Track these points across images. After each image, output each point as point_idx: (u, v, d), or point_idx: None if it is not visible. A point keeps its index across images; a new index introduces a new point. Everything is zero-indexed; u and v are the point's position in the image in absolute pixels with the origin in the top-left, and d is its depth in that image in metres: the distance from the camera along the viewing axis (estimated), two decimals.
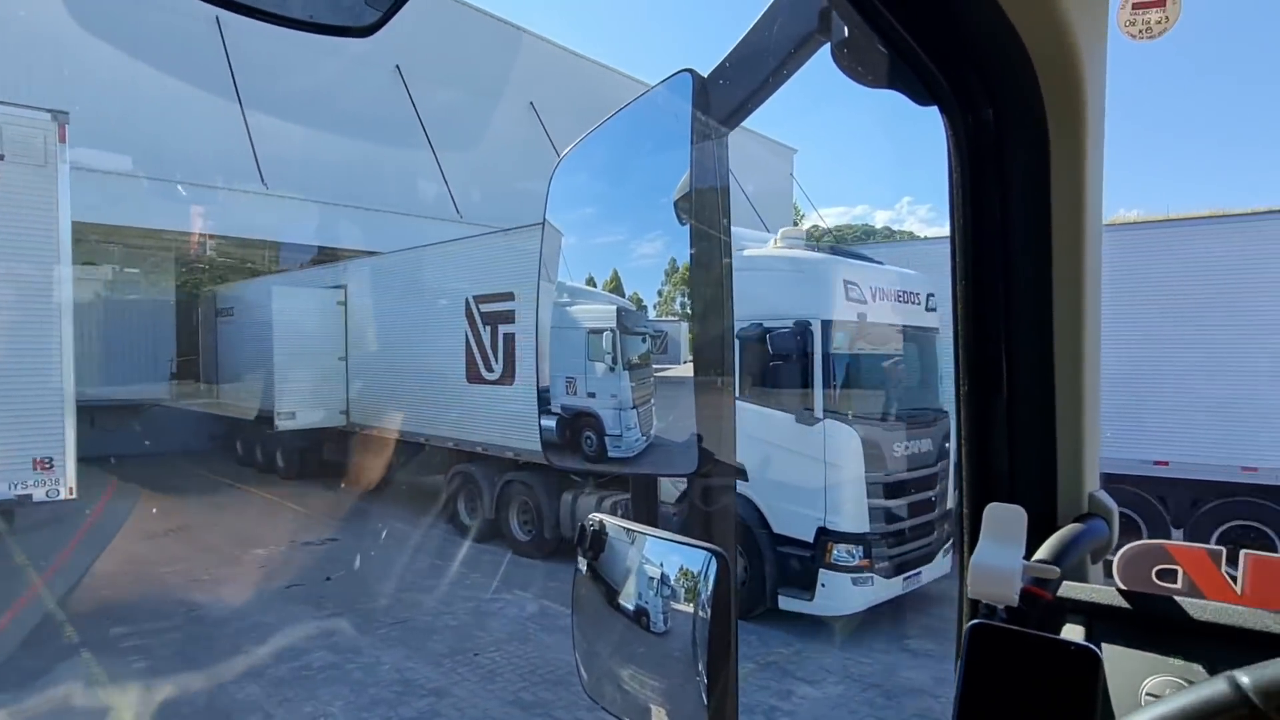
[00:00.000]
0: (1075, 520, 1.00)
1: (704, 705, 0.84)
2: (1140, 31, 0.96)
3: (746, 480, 7.46)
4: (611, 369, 1.06)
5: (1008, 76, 0.90)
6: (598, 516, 1.05)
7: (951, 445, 8.45)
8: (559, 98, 19.81)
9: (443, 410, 11.23)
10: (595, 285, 1.06)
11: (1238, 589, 1.12)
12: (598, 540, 1.04)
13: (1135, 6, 0.96)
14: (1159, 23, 0.96)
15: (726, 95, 1.01)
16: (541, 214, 1.10)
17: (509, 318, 10.05)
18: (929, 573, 7.96)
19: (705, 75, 0.96)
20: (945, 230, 1.05)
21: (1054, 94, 0.89)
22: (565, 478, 9.53)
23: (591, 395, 1.09)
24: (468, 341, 10.72)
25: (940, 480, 8.18)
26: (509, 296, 10.03)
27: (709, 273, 0.93)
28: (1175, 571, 1.07)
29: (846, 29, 0.94)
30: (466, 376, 10.80)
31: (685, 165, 0.91)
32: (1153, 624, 0.88)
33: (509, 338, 10.08)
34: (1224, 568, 1.08)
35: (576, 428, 1.09)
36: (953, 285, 1.04)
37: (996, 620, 0.79)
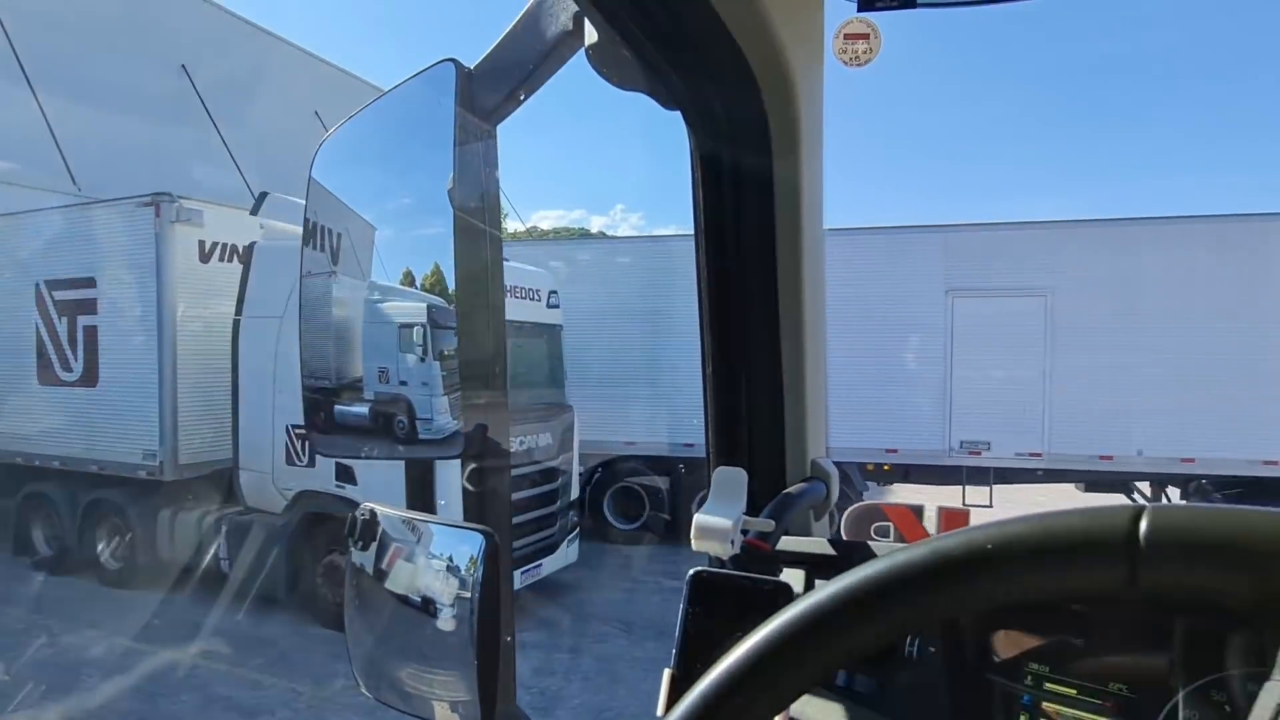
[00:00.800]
0: (801, 483, 1.12)
1: (475, 688, 0.82)
2: (850, 59, 1.07)
3: (357, 484, 6.97)
4: (422, 360, 1.02)
5: (736, 90, 0.96)
6: (369, 505, 1.02)
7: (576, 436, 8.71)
8: (223, 64, 17.38)
9: (6, 418, 9.19)
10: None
11: (933, 535, 1.22)
12: (368, 530, 1.00)
13: (846, 37, 1.06)
14: (865, 53, 1.07)
15: (492, 90, 0.99)
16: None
17: (90, 307, 8.47)
18: (551, 564, 8.08)
19: (470, 68, 0.95)
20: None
21: (775, 109, 0.97)
22: (162, 493, 8.24)
23: (404, 384, 1.05)
24: (39, 335, 8.88)
25: (562, 473, 8.35)
26: (89, 283, 8.45)
27: (477, 266, 0.92)
28: (888, 526, 1.20)
29: (596, 34, 0.95)
30: (38, 377, 8.94)
31: (440, 158, 0.91)
32: (847, 565, 0.78)
33: (90, 331, 8.49)
34: (924, 521, 1.21)
35: (389, 414, 1.07)
36: (697, 279, 1.12)
37: (715, 569, 0.87)
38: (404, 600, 0.97)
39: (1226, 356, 8.98)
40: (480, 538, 0.87)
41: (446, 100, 0.90)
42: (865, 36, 1.06)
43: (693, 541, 0.90)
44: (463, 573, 0.87)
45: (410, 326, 1.04)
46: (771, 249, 1.07)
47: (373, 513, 1.02)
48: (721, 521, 0.89)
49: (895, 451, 10.16)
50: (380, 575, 1.00)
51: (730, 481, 0.93)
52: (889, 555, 0.47)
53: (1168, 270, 9.25)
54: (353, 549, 1.03)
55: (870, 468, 10.30)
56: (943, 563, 0.45)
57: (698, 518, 0.90)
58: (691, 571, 0.85)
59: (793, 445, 1.15)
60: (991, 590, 0.45)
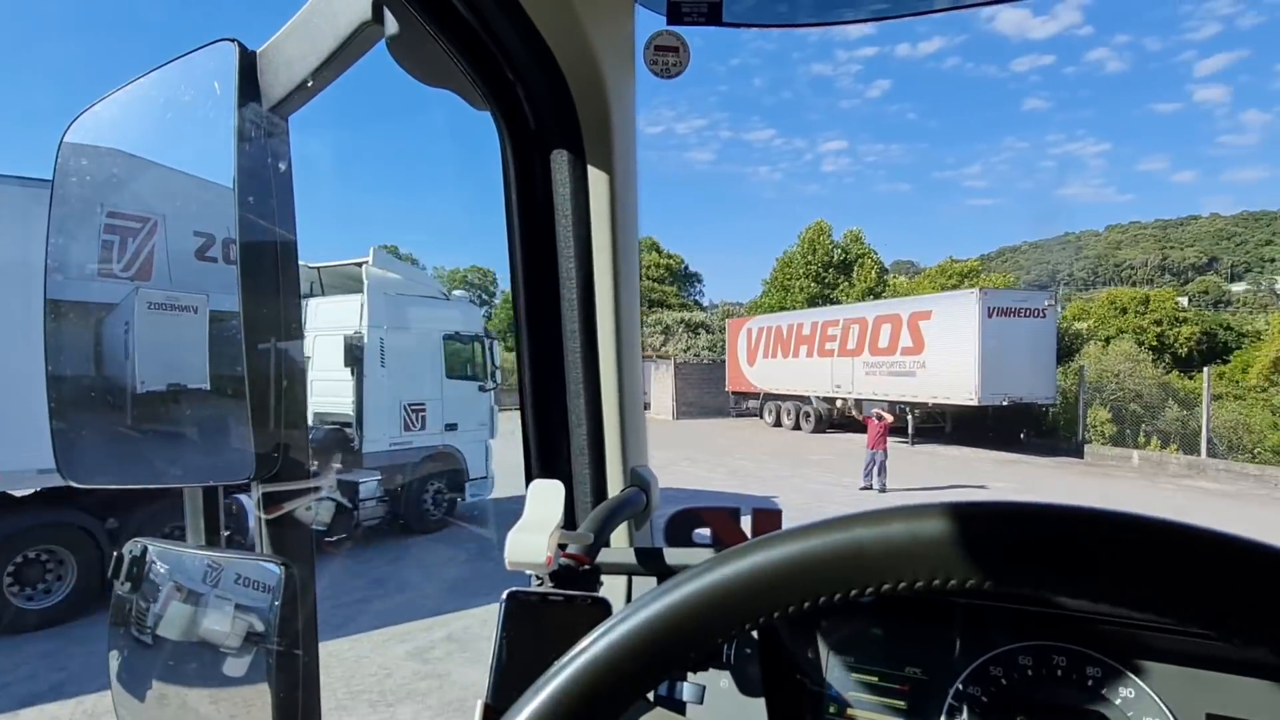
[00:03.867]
0: (620, 493, 1.10)
1: None
2: (662, 70, 1.05)
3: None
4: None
5: (548, 93, 0.97)
6: (140, 541, 0.94)
7: None
8: None
9: None
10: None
11: (750, 537, 1.27)
12: (137, 567, 0.92)
13: (657, 49, 1.05)
14: (674, 65, 1.05)
15: (281, 75, 0.91)
16: (50, 174, 0.93)
17: None
18: None
19: (256, 50, 0.88)
20: None
21: (587, 115, 0.98)
22: None
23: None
24: None
25: None
26: None
27: (261, 262, 0.85)
28: (706, 531, 1.15)
29: (402, 25, 0.90)
30: None
31: (219, 140, 0.82)
32: (665, 574, 0.97)
33: None
34: (740, 524, 1.17)
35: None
36: (512, 287, 1.09)
37: (531, 588, 0.81)
38: (183, 640, 0.88)
39: None
40: (276, 569, 0.82)
41: (227, 82, 0.83)
42: (675, 49, 1.05)
43: (507, 560, 0.82)
44: (258, 607, 0.82)
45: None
46: (587, 254, 1.06)
47: (144, 549, 0.93)
48: (536, 537, 0.81)
49: None
50: (156, 615, 0.92)
51: (545, 494, 0.87)
52: (706, 566, 0.46)
53: None
54: (118, 590, 0.94)
55: None
56: (759, 572, 0.44)
57: (511, 535, 0.82)
58: (506, 592, 0.79)
59: (613, 455, 1.14)
60: (804, 597, 0.44)
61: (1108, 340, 25.89)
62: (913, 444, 21.88)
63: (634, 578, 1.06)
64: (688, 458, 19.77)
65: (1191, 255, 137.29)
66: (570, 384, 1.11)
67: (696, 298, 58.72)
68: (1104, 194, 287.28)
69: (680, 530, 1.14)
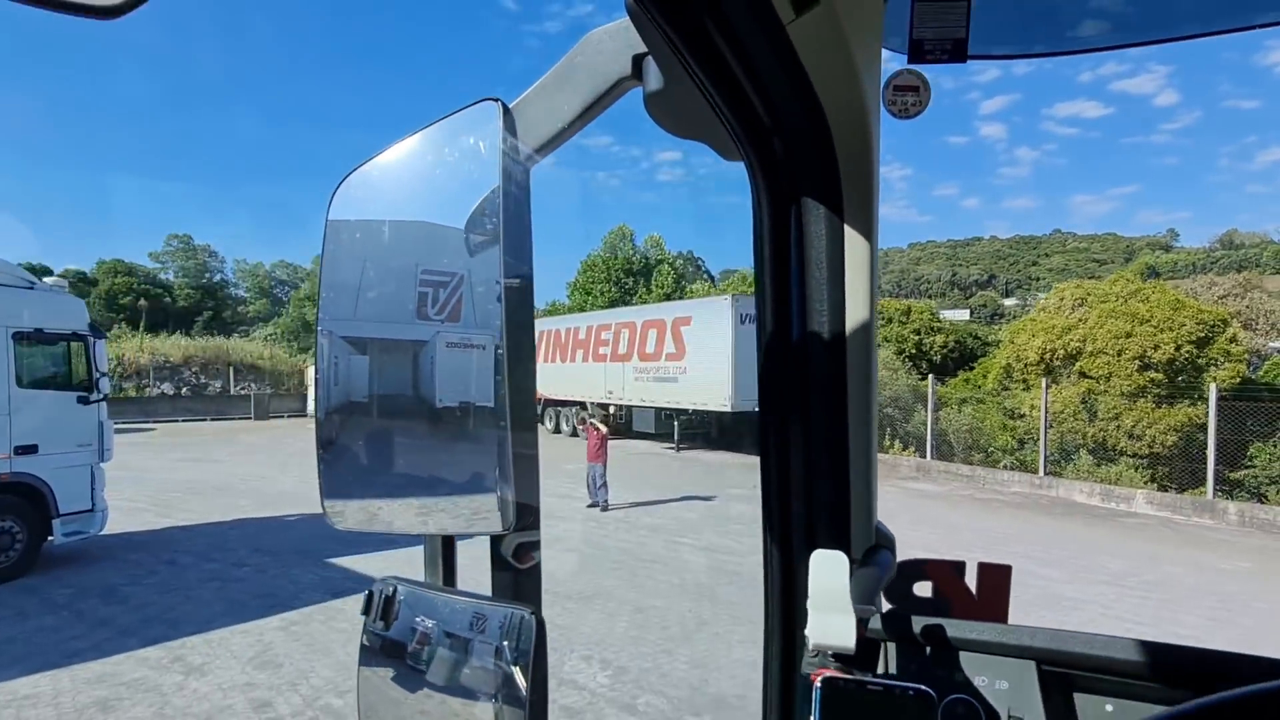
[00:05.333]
0: (866, 551, 1.05)
1: None
2: (900, 110, 1.04)
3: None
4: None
5: (810, 145, 0.94)
6: (391, 579, 0.93)
7: None
8: None
9: None
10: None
11: (975, 596, 1.16)
12: (389, 606, 0.91)
13: (896, 89, 1.02)
14: (914, 105, 1.04)
15: (531, 130, 0.99)
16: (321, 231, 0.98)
17: None
18: None
19: (510, 105, 0.91)
20: None
21: (846, 162, 0.95)
22: None
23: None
24: None
25: None
26: None
27: (521, 305, 0.86)
28: (927, 585, 1.12)
29: (662, 80, 0.94)
30: None
31: (484, 194, 0.86)
32: (939, 644, 0.97)
33: None
34: (965, 578, 1.14)
35: None
36: (758, 333, 1.06)
37: (832, 667, 0.84)
38: (432, 684, 0.86)
39: None
40: (527, 617, 0.80)
41: (489, 137, 0.86)
42: (915, 89, 1.04)
43: (812, 643, 0.84)
44: (508, 655, 0.80)
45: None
46: (840, 305, 1.01)
47: (395, 588, 0.92)
48: (841, 618, 0.82)
49: None
50: (406, 655, 0.89)
51: (830, 566, 0.84)
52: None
53: None
54: (368, 628, 0.92)
55: None
56: None
57: (815, 611, 0.84)
58: (821, 677, 0.79)
59: (857, 513, 1.06)
60: None
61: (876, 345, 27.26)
62: (678, 450, 21.75)
63: (889, 644, 0.99)
64: None
65: (975, 272, 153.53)
66: (816, 439, 1.05)
67: None
68: (907, 214, 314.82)
69: (897, 583, 1.10)
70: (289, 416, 36.08)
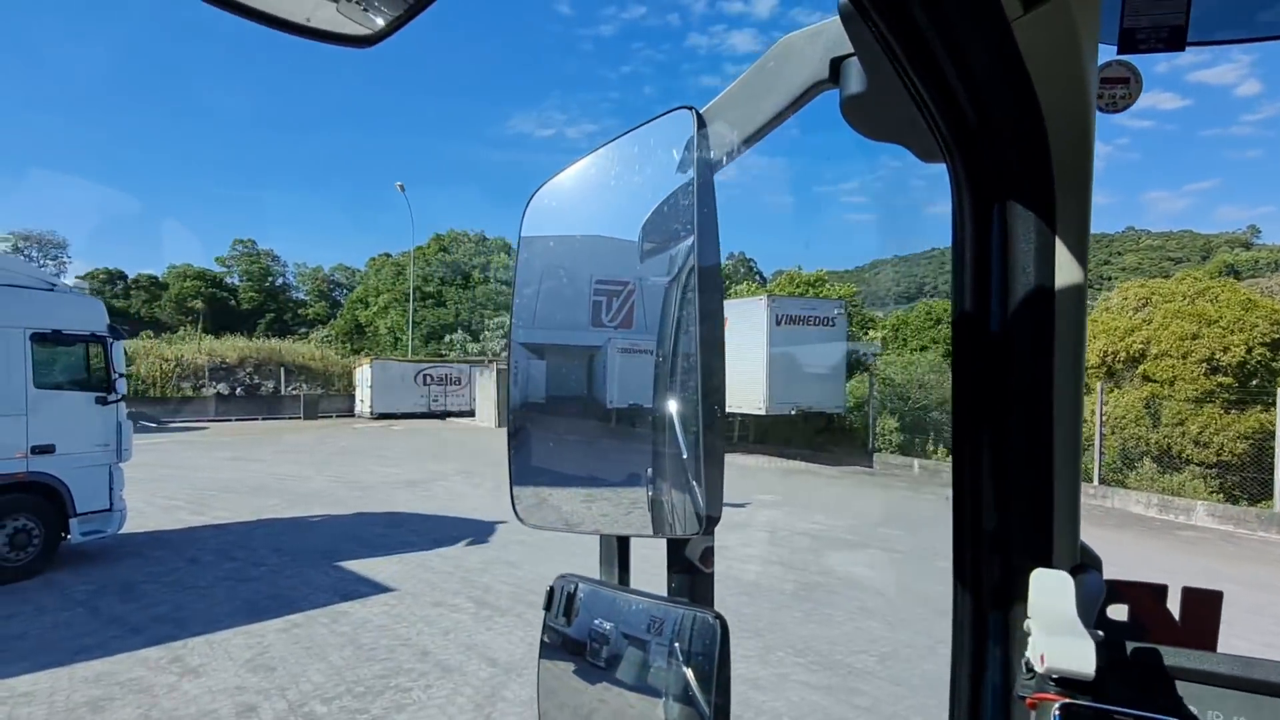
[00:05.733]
0: (1072, 571, 0.97)
1: None
2: (1108, 104, 1.02)
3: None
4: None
5: (1022, 146, 0.91)
6: (572, 577, 0.97)
7: None
8: None
9: None
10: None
11: (1179, 623, 1.12)
12: (570, 602, 0.94)
13: (1104, 81, 1.00)
14: (1124, 98, 1.02)
15: (721, 137, 0.99)
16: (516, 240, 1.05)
17: None
18: None
19: (702, 110, 0.90)
20: None
21: (1062, 165, 0.91)
22: None
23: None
24: None
25: None
26: None
27: (711, 309, 0.84)
28: (1122, 608, 1.06)
29: (863, 83, 0.93)
30: None
31: (675, 203, 0.87)
32: (1156, 673, 0.91)
33: None
34: (1168, 604, 1.09)
35: None
36: (954, 338, 1.03)
37: (1053, 691, 0.83)
38: (612, 681, 0.87)
39: None
40: (712, 620, 0.80)
41: (685, 148, 0.85)
42: (1125, 80, 1.01)
43: (1048, 669, 0.83)
44: (698, 658, 0.80)
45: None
46: (1049, 308, 0.95)
47: (576, 584, 0.95)
48: (1080, 642, 0.82)
49: None
50: (585, 652, 0.91)
51: (1054, 586, 0.84)
52: None
53: None
54: (550, 623, 0.96)
55: None
56: None
57: (1049, 634, 0.83)
58: (1059, 704, 0.81)
59: (1061, 528, 0.99)
60: None
61: (923, 349, 26.52)
62: None
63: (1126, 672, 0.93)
64: (464, 471, 18.43)
65: None
66: (1015, 450, 0.99)
67: None
68: None
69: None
70: (337, 417, 37.01)
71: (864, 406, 20.86)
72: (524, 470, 1.04)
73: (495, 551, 10.38)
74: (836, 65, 0.94)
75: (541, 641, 0.98)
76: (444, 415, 35.84)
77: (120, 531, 9.91)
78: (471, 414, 34.80)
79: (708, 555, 0.96)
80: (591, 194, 1.04)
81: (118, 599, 8.14)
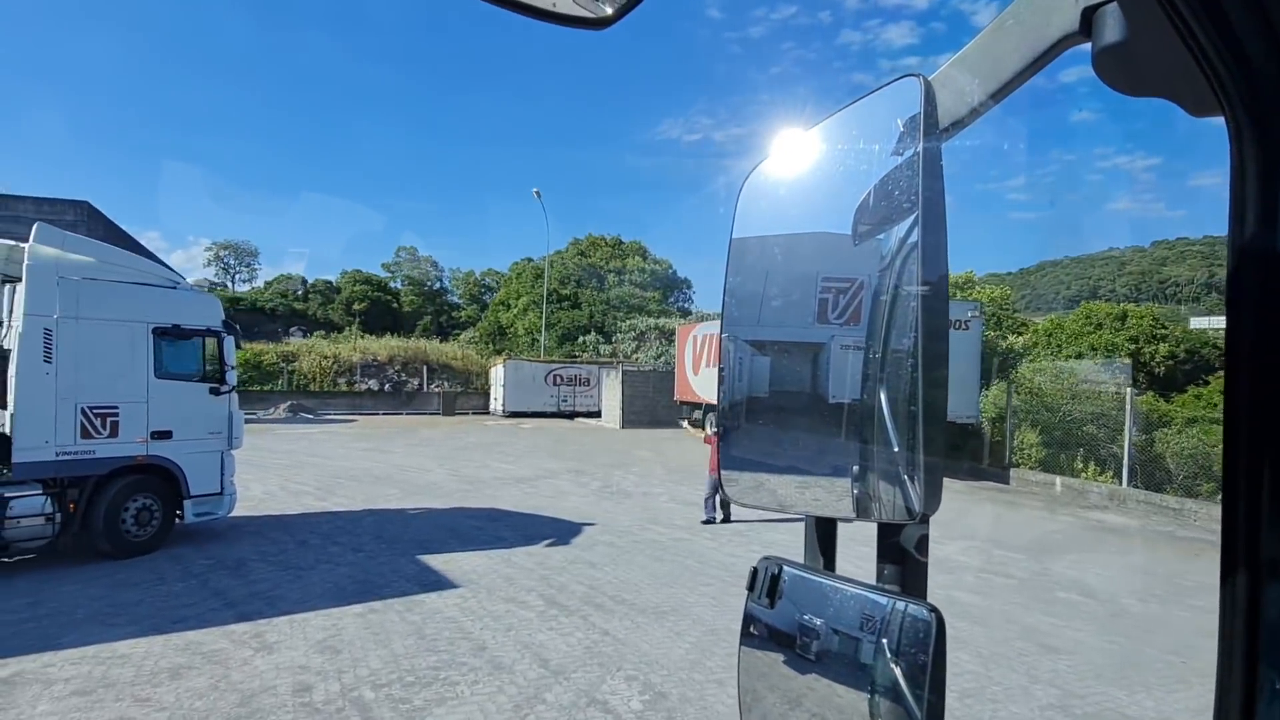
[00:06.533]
0: None
1: None
2: None
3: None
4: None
5: None
6: (776, 560, 0.95)
7: None
8: None
9: None
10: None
11: None
12: (774, 585, 0.92)
13: None
14: None
15: (949, 104, 0.93)
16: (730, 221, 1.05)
17: None
18: None
19: (931, 78, 0.87)
20: None
21: None
22: None
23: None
24: None
25: None
26: None
27: (934, 294, 0.81)
28: None
29: (1122, 31, 0.85)
30: None
31: (897, 183, 0.83)
32: None
33: None
34: None
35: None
36: (1229, 314, 0.89)
37: None
38: (818, 670, 0.87)
39: None
40: (927, 614, 0.77)
41: (910, 121, 0.83)
42: None
43: None
44: (904, 652, 0.77)
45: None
46: None
47: (780, 567, 0.94)
48: None
49: None
50: (790, 640, 0.90)
51: None
52: None
53: None
54: (754, 603, 0.95)
55: None
56: None
57: None
58: None
59: None
60: None
61: (1079, 356, 24.15)
62: None
63: None
64: (575, 470, 18.69)
65: None
66: None
67: (684, 304, 57.50)
68: (1153, 209, 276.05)
69: None
70: (473, 413, 38.84)
71: (1004, 418, 19.18)
72: (739, 455, 1.10)
73: (579, 551, 10.38)
74: (1089, 15, 0.86)
75: (744, 624, 0.96)
76: (572, 415, 36.75)
77: (240, 514, 10.81)
78: (598, 414, 35.47)
79: (923, 543, 0.90)
80: (806, 177, 1.02)
81: (227, 574, 8.84)
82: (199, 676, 5.98)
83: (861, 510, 0.90)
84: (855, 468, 0.92)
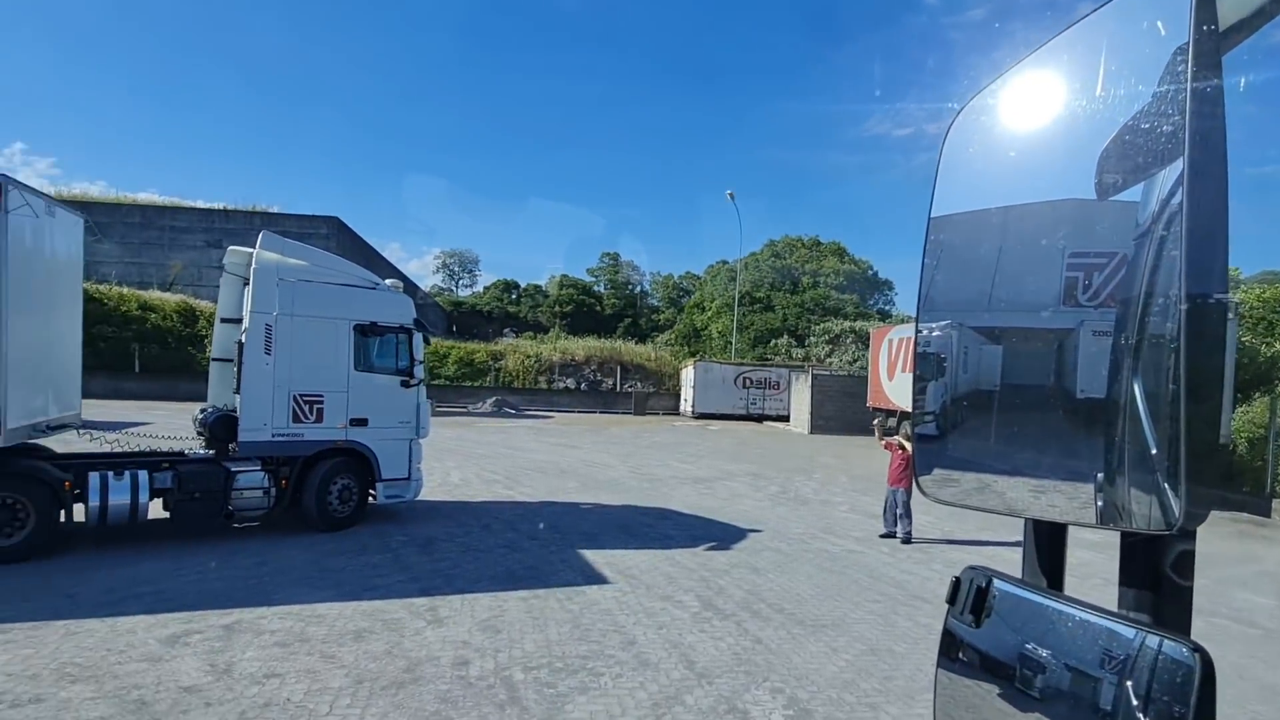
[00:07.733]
0: None
1: None
2: None
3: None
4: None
5: None
6: (984, 569, 0.87)
7: None
8: None
9: None
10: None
11: None
12: (980, 600, 0.84)
13: None
14: None
15: (1233, 6, 0.74)
16: (935, 167, 0.93)
17: None
18: None
19: None
20: None
21: None
22: None
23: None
24: None
25: None
26: None
27: (1208, 265, 0.67)
28: None
29: None
30: None
31: (1154, 112, 0.68)
32: None
33: None
34: None
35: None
36: None
37: None
38: (1036, 711, 0.75)
39: None
40: (1190, 654, 0.64)
41: (1171, 34, 0.67)
42: None
43: None
44: (1156, 701, 0.64)
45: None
46: None
47: (988, 580, 0.84)
48: None
49: None
50: (996, 666, 0.80)
51: None
52: None
53: None
54: (956, 618, 0.86)
55: None
56: None
57: None
58: None
59: None
60: None
61: None
62: None
63: None
64: (753, 473, 18.36)
65: None
66: None
67: (885, 306, 54.53)
68: None
69: None
70: (663, 414, 39.60)
71: (1265, 439, 16.09)
72: (959, 455, 0.98)
73: (744, 556, 10.15)
74: None
75: (943, 642, 0.84)
76: (760, 419, 36.26)
77: (439, 498, 11.73)
78: (786, 418, 34.70)
79: (1186, 563, 0.73)
80: (1028, 121, 0.84)
81: (417, 551, 9.67)
82: (377, 641, 6.56)
83: (1106, 517, 0.74)
84: (1102, 471, 0.76)
